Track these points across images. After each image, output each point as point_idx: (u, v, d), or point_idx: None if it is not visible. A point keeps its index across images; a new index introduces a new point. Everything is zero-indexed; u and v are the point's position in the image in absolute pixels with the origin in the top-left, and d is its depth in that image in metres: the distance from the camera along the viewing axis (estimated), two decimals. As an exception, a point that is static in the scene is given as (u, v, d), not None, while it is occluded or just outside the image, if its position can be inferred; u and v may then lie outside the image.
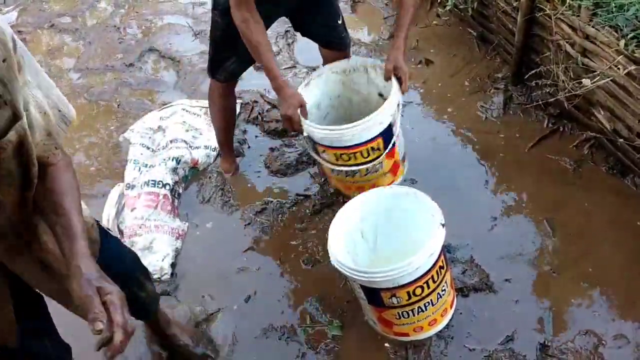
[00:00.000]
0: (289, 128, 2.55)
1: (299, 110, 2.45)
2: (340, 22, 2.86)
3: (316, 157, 2.66)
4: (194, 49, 4.17)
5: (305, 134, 2.49)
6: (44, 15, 4.83)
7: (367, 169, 2.60)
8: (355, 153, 2.52)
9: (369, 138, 2.49)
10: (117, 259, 1.82)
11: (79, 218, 1.41)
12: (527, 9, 2.99)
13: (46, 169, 1.41)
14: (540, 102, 3.11)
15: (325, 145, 2.54)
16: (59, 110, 1.49)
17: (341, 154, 2.54)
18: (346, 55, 2.91)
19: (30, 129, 1.30)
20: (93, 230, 1.71)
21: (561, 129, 3.10)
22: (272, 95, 3.67)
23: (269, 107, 3.54)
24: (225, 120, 3.01)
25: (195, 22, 4.43)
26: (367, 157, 2.55)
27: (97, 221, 1.78)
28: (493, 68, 3.54)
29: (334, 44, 2.92)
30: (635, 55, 2.46)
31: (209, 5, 4.56)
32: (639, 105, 2.55)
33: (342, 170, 2.63)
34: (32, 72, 1.40)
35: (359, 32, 4.09)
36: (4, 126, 1.22)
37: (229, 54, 2.67)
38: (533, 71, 3.13)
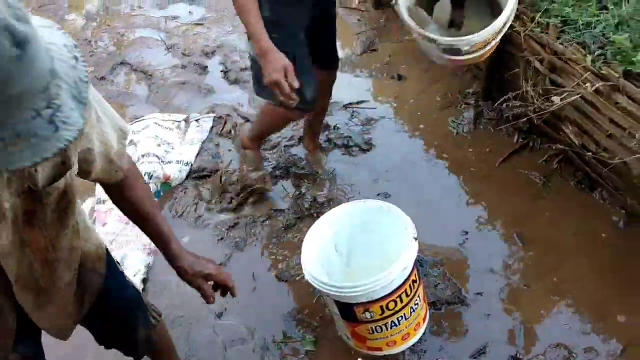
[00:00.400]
0: (278, 95, 2.34)
1: (284, 74, 2.27)
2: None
3: None
4: (167, 63, 4.15)
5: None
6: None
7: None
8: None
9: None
10: (117, 294, 1.77)
11: (162, 219, 1.64)
12: (497, 26, 3.05)
13: (118, 184, 1.51)
14: (511, 118, 3.15)
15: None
16: (121, 130, 1.43)
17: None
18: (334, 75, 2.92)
19: (93, 163, 1.35)
20: (101, 263, 1.66)
21: (531, 144, 3.15)
22: (246, 109, 3.67)
23: (243, 121, 3.54)
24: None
25: (168, 36, 4.42)
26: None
27: (108, 251, 1.73)
28: (464, 84, 3.59)
29: (333, 64, 2.94)
30: (602, 72, 2.51)
31: (182, 20, 4.59)
32: (606, 120, 2.61)
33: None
34: (95, 99, 1.34)
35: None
36: (54, 173, 1.23)
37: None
38: (503, 88, 3.19)
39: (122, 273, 1.85)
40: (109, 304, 1.65)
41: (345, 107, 3.57)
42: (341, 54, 4.05)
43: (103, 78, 4.09)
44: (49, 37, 0.96)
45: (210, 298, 1.68)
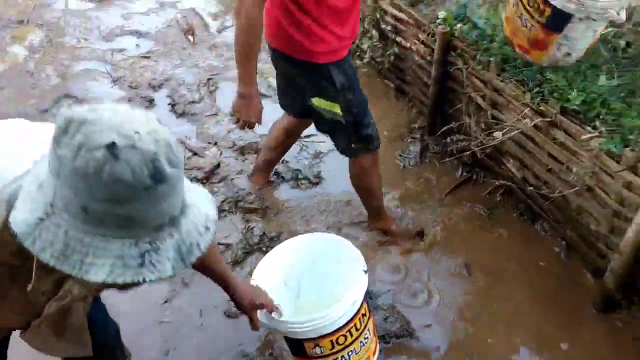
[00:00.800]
0: (241, 127, 2.57)
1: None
2: None
3: None
4: (112, 95, 4.09)
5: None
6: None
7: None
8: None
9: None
10: (101, 327, 1.81)
11: (220, 262, 1.89)
12: (440, 64, 3.14)
13: None
14: (454, 152, 3.23)
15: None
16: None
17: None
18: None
19: None
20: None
21: (474, 177, 3.23)
22: (194, 141, 3.64)
23: (190, 154, 3.51)
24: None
25: (114, 69, 4.36)
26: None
27: None
28: (410, 118, 3.67)
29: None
30: (540, 108, 2.61)
31: (129, 52, 4.54)
32: (545, 155, 2.70)
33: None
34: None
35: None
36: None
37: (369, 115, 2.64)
38: (447, 122, 3.27)
39: (103, 304, 1.87)
40: (93, 336, 1.66)
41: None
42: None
43: (45, 110, 3.99)
44: (197, 200, 1.06)
45: (258, 327, 1.97)
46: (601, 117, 2.46)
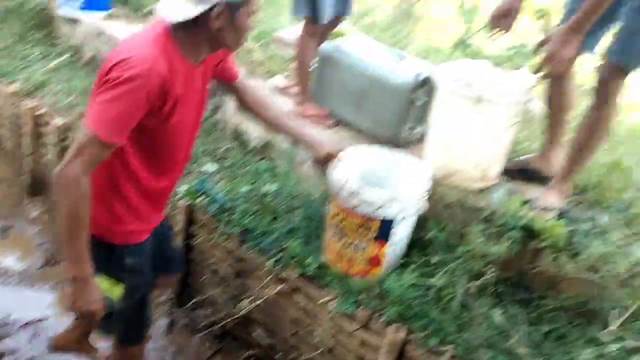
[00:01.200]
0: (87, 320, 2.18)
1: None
2: None
3: None
4: None
5: None
6: None
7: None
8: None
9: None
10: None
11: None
12: (184, 236, 3.17)
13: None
14: (204, 324, 3.19)
15: None
16: None
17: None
18: None
19: None
20: None
21: (225, 347, 3.20)
22: None
23: None
24: None
25: None
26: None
27: None
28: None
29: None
30: (282, 275, 2.75)
31: None
32: (288, 320, 2.81)
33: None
34: None
35: (9, 259, 3.79)
36: None
37: None
38: (194, 294, 3.25)
39: None
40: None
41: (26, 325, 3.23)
42: (19, 265, 3.75)
43: None
44: None
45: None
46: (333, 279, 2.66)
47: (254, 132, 3.46)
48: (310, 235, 2.86)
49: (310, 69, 3.39)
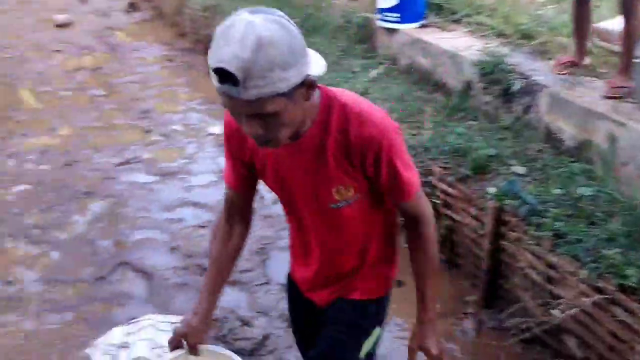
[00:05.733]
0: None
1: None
2: None
3: None
4: (168, 263, 4.20)
5: None
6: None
7: None
8: None
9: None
10: None
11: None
12: (492, 238, 3.15)
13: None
14: (510, 327, 3.13)
15: None
16: None
17: None
18: None
19: None
20: None
21: (535, 356, 3.08)
22: (244, 311, 3.65)
23: (240, 323, 3.50)
24: None
25: (172, 238, 4.52)
26: None
27: None
28: (463, 292, 3.61)
29: None
30: (598, 284, 2.55)
31: (187, 222, 4.72)
32: (606, 333, 2.59)
33: None
34: None
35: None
36: None
37: None
38: (502, 296, 3.21)
39: None
40: None
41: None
42: None
43: (102, 277, 4.10)
44: None
45: None
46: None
47: (568, 130, 3.28)
48: (631, 244, 2.61)
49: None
